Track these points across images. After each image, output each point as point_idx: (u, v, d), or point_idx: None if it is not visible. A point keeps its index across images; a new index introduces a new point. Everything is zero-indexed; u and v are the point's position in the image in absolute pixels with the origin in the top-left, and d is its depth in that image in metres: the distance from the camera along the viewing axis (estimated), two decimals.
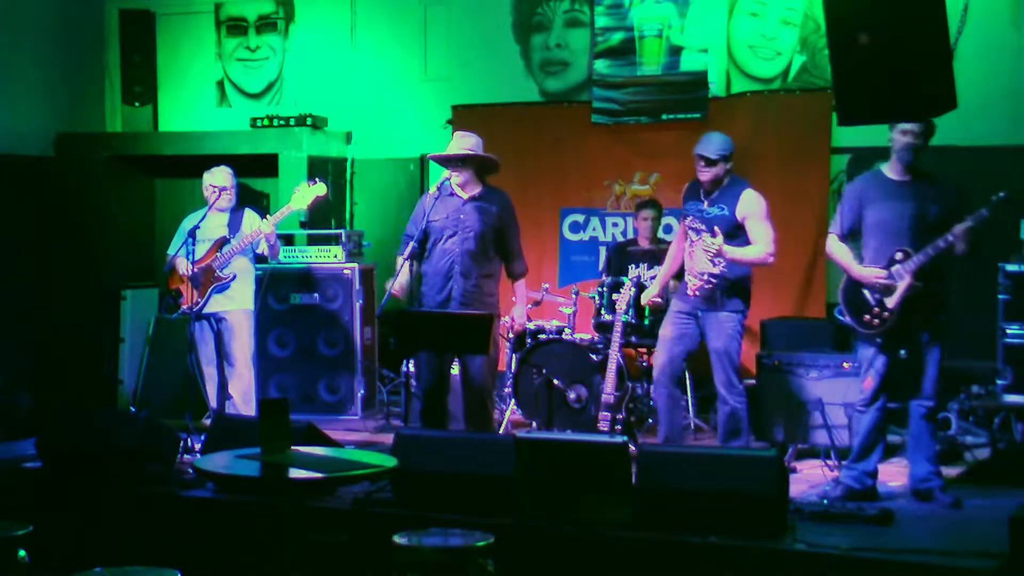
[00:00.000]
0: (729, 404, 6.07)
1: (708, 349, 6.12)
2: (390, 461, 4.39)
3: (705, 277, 5.98)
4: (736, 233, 5.94)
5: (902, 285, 5.34)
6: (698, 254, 6.02)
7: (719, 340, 6.05)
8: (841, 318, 5.61)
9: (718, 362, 6.07)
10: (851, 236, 5.59)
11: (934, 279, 5.38)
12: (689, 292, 6.08)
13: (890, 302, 5.38)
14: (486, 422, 6.19)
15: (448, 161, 6.24)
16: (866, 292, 5.46)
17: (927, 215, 5.35)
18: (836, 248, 5.62)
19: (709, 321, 6.06)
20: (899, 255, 5.36)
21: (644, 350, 7.15)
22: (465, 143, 6.24)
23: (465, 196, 6.24)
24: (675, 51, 8.18)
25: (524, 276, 6.45)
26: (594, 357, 6.90)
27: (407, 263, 6.18)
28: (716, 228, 5.84)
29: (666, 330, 6.15)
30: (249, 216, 7.03)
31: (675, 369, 6.17)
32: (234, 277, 6.87)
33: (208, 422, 6.62)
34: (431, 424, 6.13)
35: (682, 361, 6.22)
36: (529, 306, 7.55)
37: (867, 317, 5.45)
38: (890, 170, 5.50)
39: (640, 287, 6.66)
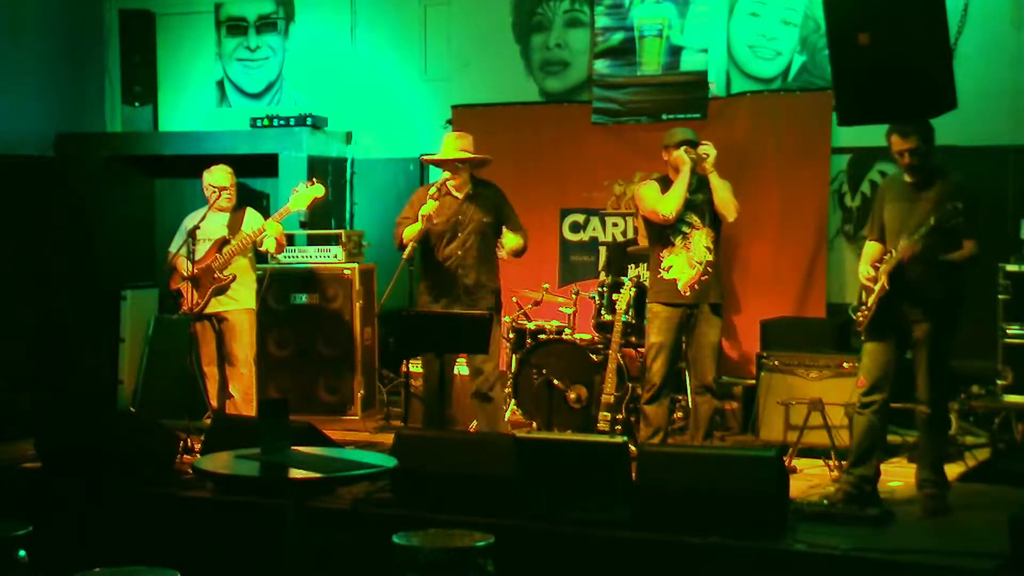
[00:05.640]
0: (716, 400, 6.30)
1: (697, 344, 6.24)
2: (390, 461, 4.40)
3: (704, 266, 6.13)
4: (717, 219, 6.23)
5: (877, 287, 5.32)
6: (695, 245, 6.15)
7: (715, 334, 6.23)
8: (851, 315, 5.62)
9: (711, 357, 6.23)
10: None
11: (930, 280, 5.28)
12: (681, 289, 6.14)
13: (869, 301, 5.38)
14: (496, 422, 6.23)
15: (445, 164, 6.29)
16: (863, 291, 5.48)
17: (926, 217, 5.23)
18: (864, 249, 5.60)
19: (705, 314, 6.19)
20: (886, 256, 5.33)
21: (644, 350, 7.15)
22: (461, 144, 6.29)
23: (460, 196, 6.31)
24: (675, 51, 8.17)
25: (524, 239, 6.40)
26: (594, 357, 6.89)
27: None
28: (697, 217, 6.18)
29: (665, 337, 6.21)
30: (250, 215, 7.02)
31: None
32: (234, 278, 6.87)
33: (208, 422, 6.62)
34: (431, 423, 6.16)
35: None
36: (529, 306, 7.57)
37: (857, 314, 5.47)
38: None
39: (640, 287, 6.67)
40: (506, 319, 6.93)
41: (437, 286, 6.32)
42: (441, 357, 6.01)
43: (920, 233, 5.11)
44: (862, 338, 5.51)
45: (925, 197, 5.29)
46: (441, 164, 6.36)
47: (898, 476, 5.93)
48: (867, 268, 5.43)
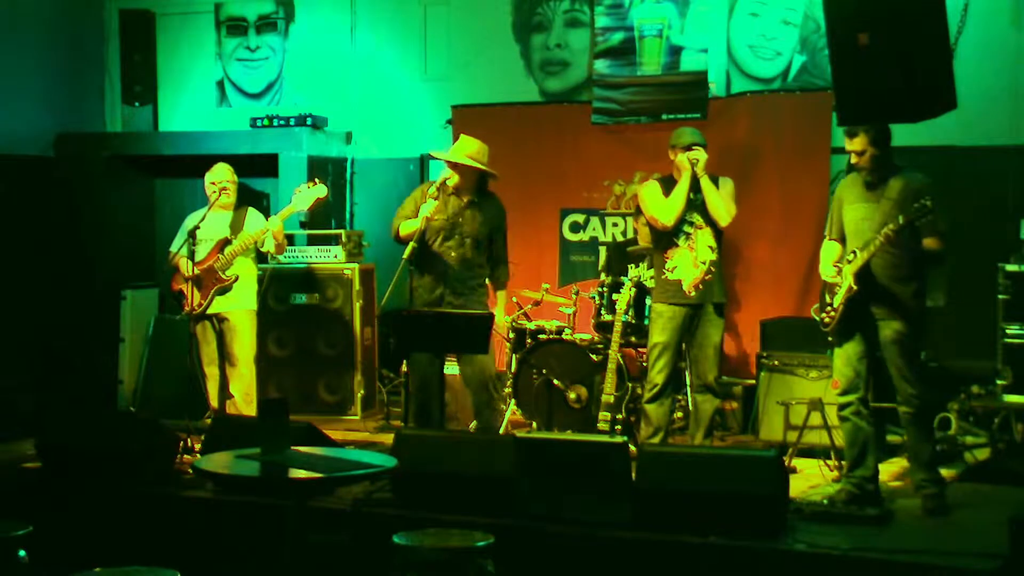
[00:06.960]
0: (717, 399, 6.28)
1: (699, 344, 6.24)
2: (390, 461, 4.40)
3: (708, 265, 6.13)
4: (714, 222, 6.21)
5: (844, 286, 5.31)
6: (698, 245, 6.15)
7: (718, 334, 6.23)
8: (815, 317, 5.60)
9: (714, 357, 6.23)
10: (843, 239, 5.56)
11: (895, 279, 5.29)
12: (686, 289, 6.14)
13: (836, 302, 5.37)
14: (490, 417, 6.20)
15: (455, 165, 6.28)
16: (826, 292, 5.48)
17: (892, 215, 5.21)
18: (823, 250, 5.62)
19: (708, 315, 6.20)
20: (850, 256, 5.32)
21: (644, 350, 7.15)
22: (470, 149, 6.26)
23: (464, 199, 6.29)
24: (675, 51, 8.18)
25: (506, 285, 6.55)
26: (594, 357, 6.89)
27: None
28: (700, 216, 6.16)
29: (669, 336, 6.21)
30: (251, 215, 7.03)
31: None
32: (236, 279, 6.87)
33: (208, 422, 6.62)
34: (423, 424, 6.15)
35: None
36: (529, 306, 7.57)
37: (823, 315, 5.47)
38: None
39: (640, 287, 6.67)
40: (506, 319, 6.91)
41: (433, 276, 6.29)
42: (441, 357, 6.01)
43: (889, 228, 5.09)
44: (830, 339, 5.51)
45: (885, 196, 5.28)
46: (449, 164, 6.35)
47: (898, 476, 5.94)
48: (830, 268, 5.43)
